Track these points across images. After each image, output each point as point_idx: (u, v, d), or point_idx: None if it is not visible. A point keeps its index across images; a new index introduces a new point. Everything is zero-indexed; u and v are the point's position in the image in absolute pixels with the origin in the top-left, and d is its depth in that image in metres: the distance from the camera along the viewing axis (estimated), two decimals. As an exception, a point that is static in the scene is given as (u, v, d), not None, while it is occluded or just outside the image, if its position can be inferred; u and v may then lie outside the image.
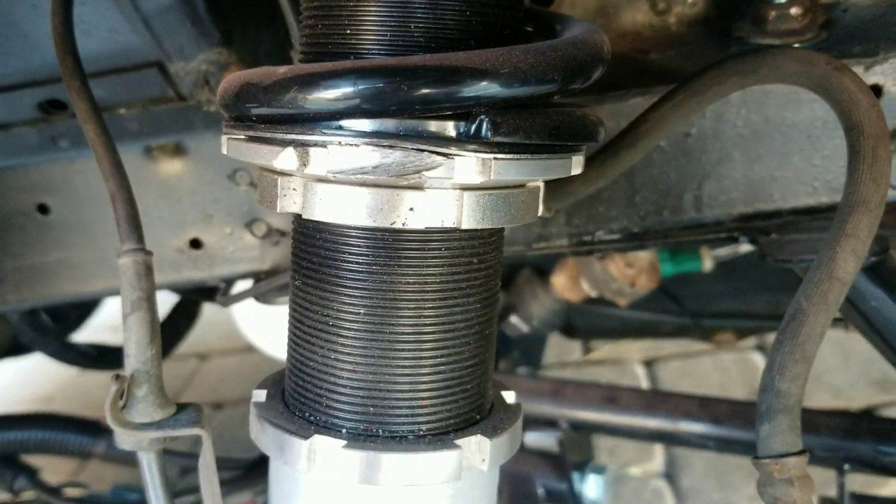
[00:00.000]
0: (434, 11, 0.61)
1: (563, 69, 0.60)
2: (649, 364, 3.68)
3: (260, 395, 0.74)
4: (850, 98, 0.76)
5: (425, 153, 0.58)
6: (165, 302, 2.61)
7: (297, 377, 0.70)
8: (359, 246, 0.64)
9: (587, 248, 1.19)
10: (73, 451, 1.70)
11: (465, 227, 0.62)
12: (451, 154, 0.58)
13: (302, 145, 0.59)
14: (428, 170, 0.58)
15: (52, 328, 1.69)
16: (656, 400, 1.67)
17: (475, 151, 0.58)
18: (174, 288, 1.30)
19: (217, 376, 3.33)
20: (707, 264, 2.34)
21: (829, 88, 0.78)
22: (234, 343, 3.19)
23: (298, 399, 0.70)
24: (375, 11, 0.61)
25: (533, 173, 0.62)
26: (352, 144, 0.58)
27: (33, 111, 1.09)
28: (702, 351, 3.54)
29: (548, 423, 1.79)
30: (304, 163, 0.59)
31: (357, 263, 0.64)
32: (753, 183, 1.12)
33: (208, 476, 0.73)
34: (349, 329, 0.65)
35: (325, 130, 0.58)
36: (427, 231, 0.64)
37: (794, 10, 1.01)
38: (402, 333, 0.65)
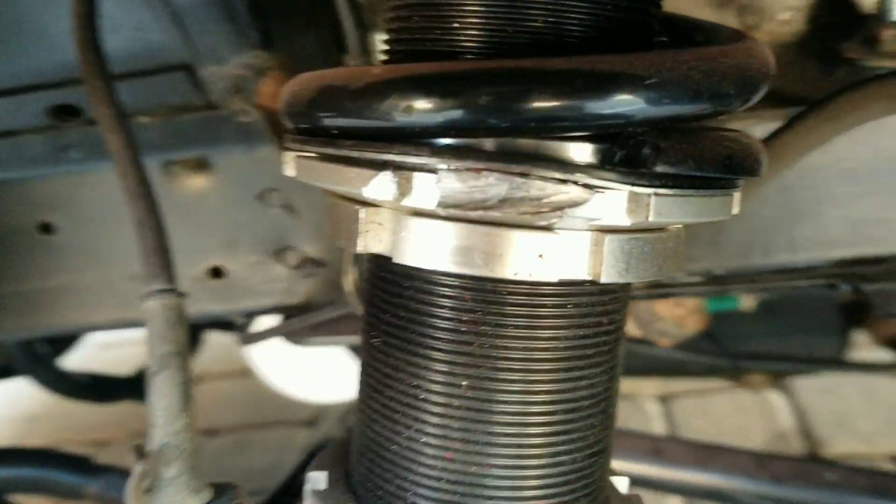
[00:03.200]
0: (557, 11, 0.47)
1: (738, 82, 0.46)
2: (664, 400, 3.53)
3: (319, 481, 0.59)
4: None
5: (569, 184, 0.43)
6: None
7: (373, 460, 0.55)
8: (466, 301, 0.50)
9: (663, 291, 1.05)
10: (65, 491, 1.55)
11: (604, 280, 0.48)
12: (599, 187, 0.44)
13: (402, 168, 0.45)
14: (572, 206, 0.44)
15: (47, 356, 1.54)
16: (707, 454, 1.53)
17: (632, 184, 0.44)
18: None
19: (212, 401, 3.17)
20: (746, 303, 2.21)
21: None
22: (229, 366, 3.04)
23: (374, 487, 0.55)
24: (494, 3, 0.47)
25: (696, 214, 0.48)
26: (471, 170, 0.43)
27: (42, 117, 0.95)
28: (718, 388, 3.39)
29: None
30: (403, 192, 0.45)
31: (461, 322, 0.50)
32: (857, 224, 0.98)
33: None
34: (447, 404, 0.51)
35: (434, 150, 0.44)
36: (559, 284, 0.50)
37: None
38: (521, 414, 0.51)
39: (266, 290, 1.07)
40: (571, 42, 0.48)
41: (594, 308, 0.52)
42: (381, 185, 0.45)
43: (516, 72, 0.43)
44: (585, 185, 0.44)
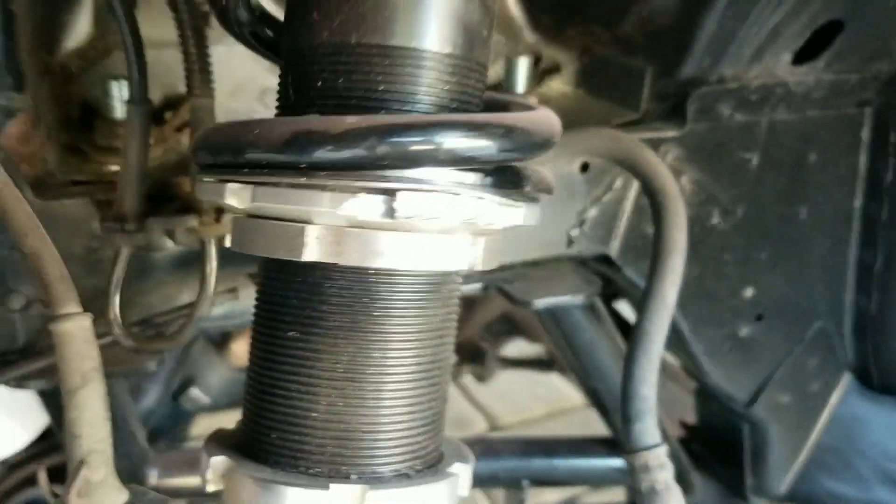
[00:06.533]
0: (461, 76, 0.66)
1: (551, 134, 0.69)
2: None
3: (219, 464, 0.68)
4: (653, 168, 0.98)
5: (499, 203, 0.65)
6: None
7: (310, 432, 0.67)
8: (409, 291, 0.66)
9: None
10: None
11: (483, 268, 0.68)
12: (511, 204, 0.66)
13: (384, 192, 0.61)
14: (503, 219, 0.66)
15: None
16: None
17: (518, 200, 0.66)
18: None
19: None
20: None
21: (635, 161, 1.00)
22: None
23: (289, 451, 0.67)
24: (412, 71, 0.64)
25: (536, 218, 0.70)
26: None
27: None
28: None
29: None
30: (389, 212, 0.61)
31: (404, 308, 0.66)
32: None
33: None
34: (377, 373, 0.66)
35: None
36: (453, 273, 0.69)
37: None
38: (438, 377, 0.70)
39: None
40: (462, 102, 0.67)
41: (456, 293, 0.72)
42: (364, 205, 0.60)
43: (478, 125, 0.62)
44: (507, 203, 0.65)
